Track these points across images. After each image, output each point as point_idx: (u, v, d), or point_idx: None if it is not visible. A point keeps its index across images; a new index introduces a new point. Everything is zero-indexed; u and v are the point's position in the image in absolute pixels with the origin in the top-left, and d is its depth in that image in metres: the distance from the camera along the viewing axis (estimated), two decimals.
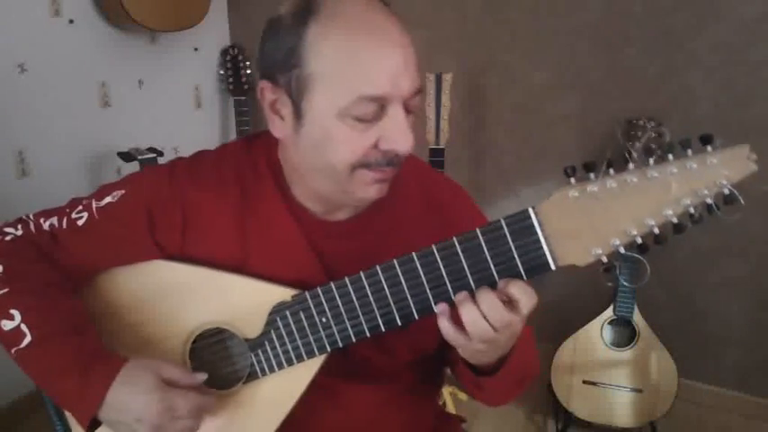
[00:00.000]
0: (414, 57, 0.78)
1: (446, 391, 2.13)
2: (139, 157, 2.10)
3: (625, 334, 2.00)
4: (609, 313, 1.98)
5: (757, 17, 1.92)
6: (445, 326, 0.74)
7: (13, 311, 0.84)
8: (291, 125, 0.81)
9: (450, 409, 2.09)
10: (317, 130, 0.78)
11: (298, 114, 0.79)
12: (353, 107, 0.75)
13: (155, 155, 2.14)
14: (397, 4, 0.82)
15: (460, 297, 0.73)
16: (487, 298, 0.71)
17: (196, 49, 2.72)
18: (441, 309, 0.74)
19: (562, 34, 2.20)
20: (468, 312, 0.71)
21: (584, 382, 2.01)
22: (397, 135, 0.77)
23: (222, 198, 0.89)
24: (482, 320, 0.71)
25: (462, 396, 2.15)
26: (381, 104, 0.76)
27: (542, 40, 2.23)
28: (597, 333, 1.99)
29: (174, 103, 2.67)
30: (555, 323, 2.05)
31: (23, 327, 0.83)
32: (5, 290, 0.86)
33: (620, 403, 1.99)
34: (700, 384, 2.30)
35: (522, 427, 2.21)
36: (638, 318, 1.96)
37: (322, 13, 0.75)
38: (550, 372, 2.04)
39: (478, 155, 2.46)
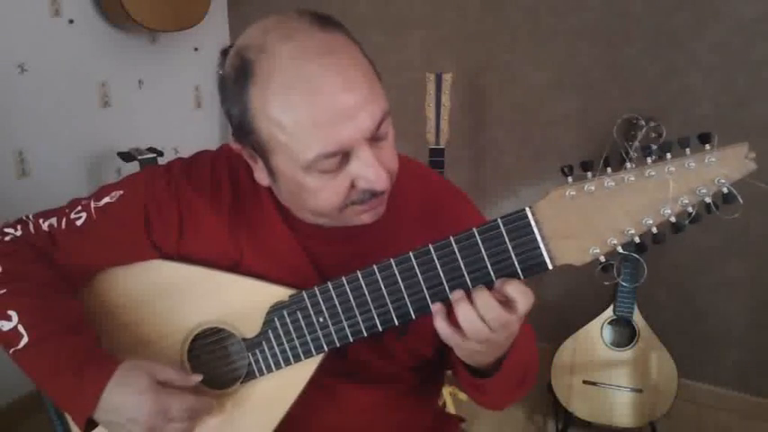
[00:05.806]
0: (366, 83, 0.73)
1: (446, 391, 2.12)
2: (139, 157, 2.09)
3: (625, 334, 2.00)
4: (609, 313, 1.97)
5: (757, 17, 1.91)
6: (441, 325, 0.73)
7: (10, 312, 0.84)
8: (268, 177, 0.81)
9: (450, 409, 2.09)
10: (291, 184, 0.78)
11: (270, 171, 0.79)
12: (314, 165, 0.73)
13: (155, 155, 2.13)
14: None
15: (456, 296, 0.72)
16: (483, 297, 0.70)
17: (196, 49, 2.72)
18: (436, 308, 0.74)
19: (562, 34, 2.19)
20: (463, 311, 0.71)
21: (585, 382, 2.01)
22: (369, 174, 0.73)
23: (216, 199, 0.89)
24: (478, 320, 0.70)
25: (462, 396, 2.15)
26: (343, 153, 0.73)
27: (542, 40, 2.23)
28: (597, 333, 1.99)
29: (174, 103, 2.67)
30: (555, 323, 2.05)
31: (20, 328, 0.83)
32: (3, 291, 0.86)
33: (620, 403, 1.99)
34: (700, 384, 2.30)
35: (522, 427, 2.21)
36: (637, 318, 1.96)
37: (258, 77, 0.72)
38: (550, 372, 2.04)
39: (478, 155, 2.46)
